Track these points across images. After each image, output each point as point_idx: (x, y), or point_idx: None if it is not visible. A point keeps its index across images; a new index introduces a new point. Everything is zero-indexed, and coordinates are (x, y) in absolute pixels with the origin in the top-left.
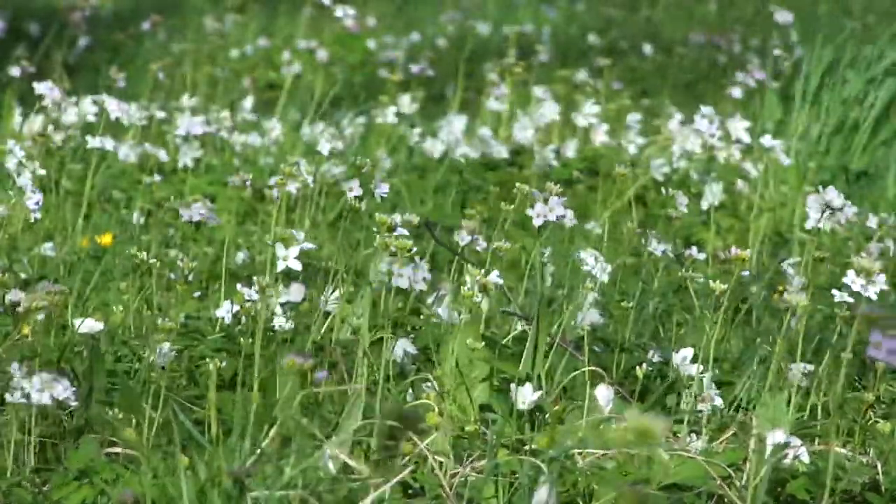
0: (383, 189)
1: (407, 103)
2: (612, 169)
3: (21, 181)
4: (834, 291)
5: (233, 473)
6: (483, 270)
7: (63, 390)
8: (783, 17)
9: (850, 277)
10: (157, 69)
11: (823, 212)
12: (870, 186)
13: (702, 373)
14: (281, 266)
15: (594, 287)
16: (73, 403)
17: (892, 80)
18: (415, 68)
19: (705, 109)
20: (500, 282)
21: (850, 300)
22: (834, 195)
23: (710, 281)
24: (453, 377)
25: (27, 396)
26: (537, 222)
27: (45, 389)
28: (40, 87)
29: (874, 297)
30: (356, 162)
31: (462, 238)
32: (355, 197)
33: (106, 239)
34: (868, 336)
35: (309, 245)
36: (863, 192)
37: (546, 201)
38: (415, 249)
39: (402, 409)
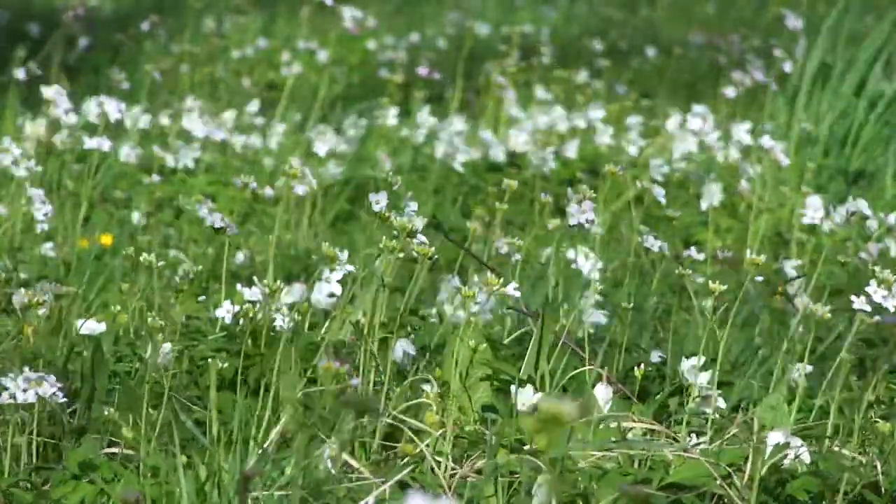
0: (412, 207)
1: (426, 116)
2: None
3: (30, 191)
4: (853, 298)
5: (242, 474)
6: (500, 280)
7: (49, 388)
8: (793, 22)
9: (872, 287)
10: (158, 70)
11: (849, 217)
12: (868, 187)
13: (701, 372)
14: (325, 289)
15: (596, 288)
16: (61, 400)
17: (892, 79)
18: (423, 71)
19: (698, 108)
20: (518, 294)
21: (868, 309)
22: (864, 206)
23: (710, 282)
24: (455, 377)
25: (13, 397)
26: (572, 222)
27: (30, 388)
28: (49, 92)
29: (893, 309)
30: (387, 177)
31: (499, 245)
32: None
33: (106, 239)
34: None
35: (351, 267)
36: (861, 192)
37: (580, 203)
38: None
39: (360, 397)
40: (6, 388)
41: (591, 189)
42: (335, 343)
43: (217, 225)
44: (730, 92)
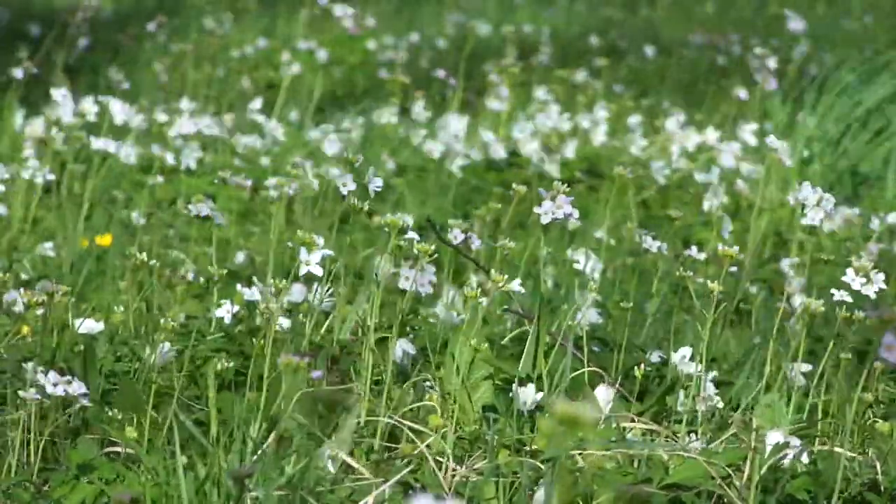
0: (376, 183)
1: (420, 110)
2: (611, 170)
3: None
4: (833, 290)
5: (233, 473)
6: (505, 277)
7: (78, 387)
8: (794, 24)
9: (850, 276)
10: (159, 70)
11: (803, 208)
12: (869, 187)
13: (700, 372)
14: (303, 271)
15: (593, 287)
16: (87, 403)
17: (892, 82)
18: (440, 73)
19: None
20: (522, 290)
21: (849, 299)
22: (809, 192)
23: (708, 282)
24: (455, 378)
25: (42, 391)
26: (545, 220)
27: (59, 384)
28: (56, 95)
29: (873, 296)
30: (348, 157)
31: (456, 236)
32: (350, 192)
33: (105, 240)
34: (878, 338)
35: (329, 252)
36: (863, 192)
37: (553, 199)
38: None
39: (326, 391)
40: (35, 383)
41: (590, 189)
42: (335, 343)
43: (203, 213)
44: (742, 94)
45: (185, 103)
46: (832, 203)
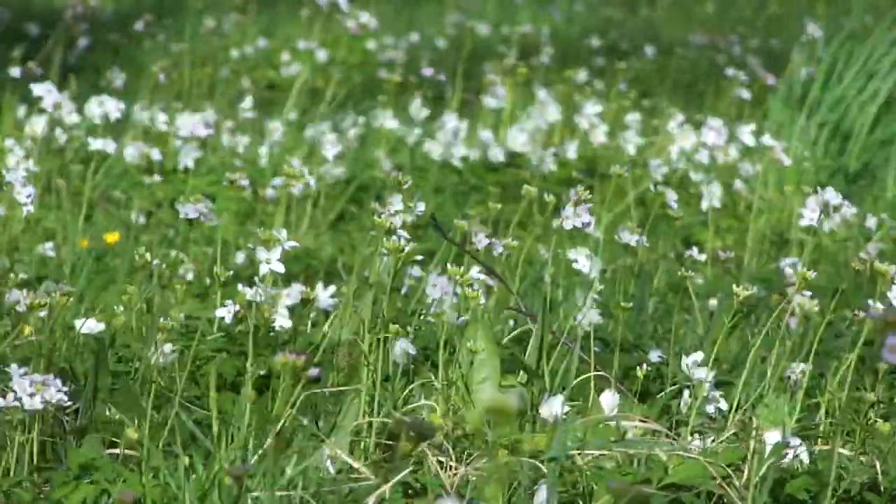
0: (420, 208)
1: (417, 109)
2: (610, 170)
3: (11, 176)
4: (869, 302)
5: (233, 473)
6: (462, 269)
7: (55, 392)
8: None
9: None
10: (161, 71)
11: (821, 212)
12: (868, 187)
13: (707, 374)
14: (264, 269)
15: (593, 287)
16: (67, 404)
17: (890, 80)
18: (427, 71)
19: (713, 122)
20: (482, 277)
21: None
22: (832, 195)
23: (734, 286)
24: (458, 378)
25: (20, 401)
26: (566, 225)
27: (36, 393)
28: (38, 89)
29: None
30: (399, 178)
31: (479, 240)
32: (396, 211)
33: (112, 238)
34: (880, 338)
35: (293, 243)
36: (861, 192)
37: (576, 205)
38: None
39: (409, 419)
40: (13, 391)
41: (589, 189)
42: (340, 342)
43: (191, 216)
44: (744, 93)
45: (181, 103)
46: (850, 209)
